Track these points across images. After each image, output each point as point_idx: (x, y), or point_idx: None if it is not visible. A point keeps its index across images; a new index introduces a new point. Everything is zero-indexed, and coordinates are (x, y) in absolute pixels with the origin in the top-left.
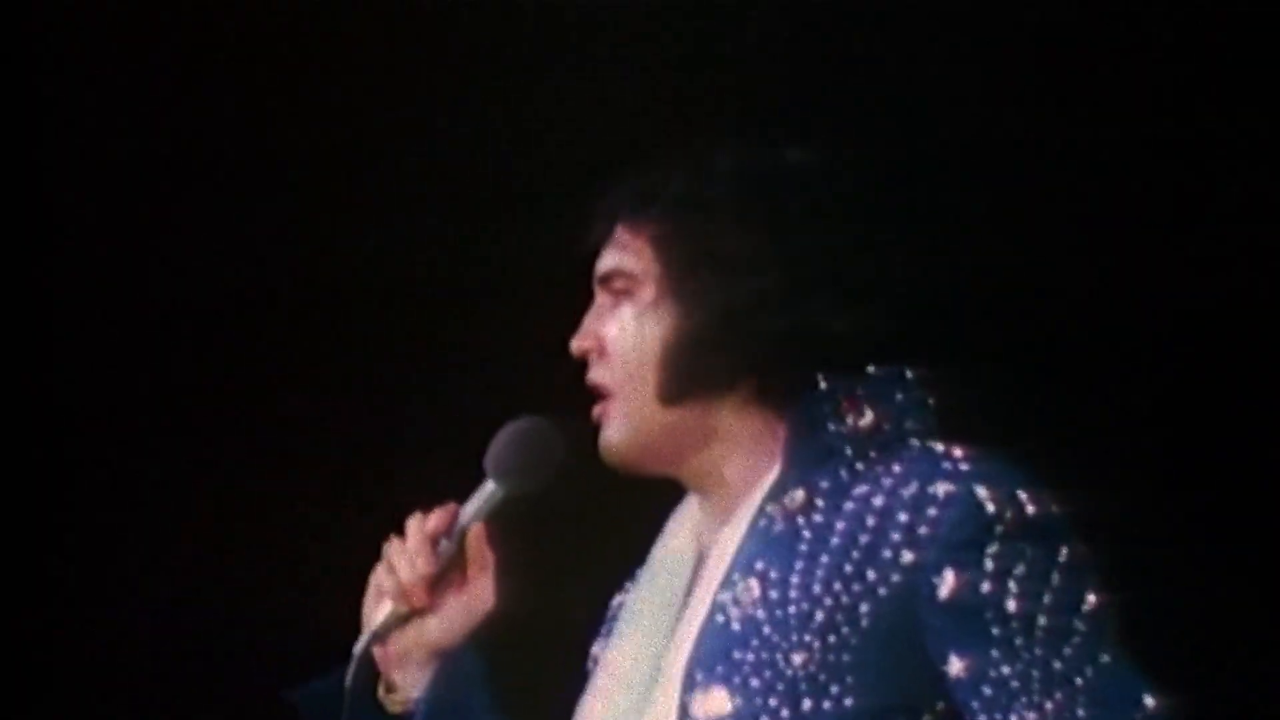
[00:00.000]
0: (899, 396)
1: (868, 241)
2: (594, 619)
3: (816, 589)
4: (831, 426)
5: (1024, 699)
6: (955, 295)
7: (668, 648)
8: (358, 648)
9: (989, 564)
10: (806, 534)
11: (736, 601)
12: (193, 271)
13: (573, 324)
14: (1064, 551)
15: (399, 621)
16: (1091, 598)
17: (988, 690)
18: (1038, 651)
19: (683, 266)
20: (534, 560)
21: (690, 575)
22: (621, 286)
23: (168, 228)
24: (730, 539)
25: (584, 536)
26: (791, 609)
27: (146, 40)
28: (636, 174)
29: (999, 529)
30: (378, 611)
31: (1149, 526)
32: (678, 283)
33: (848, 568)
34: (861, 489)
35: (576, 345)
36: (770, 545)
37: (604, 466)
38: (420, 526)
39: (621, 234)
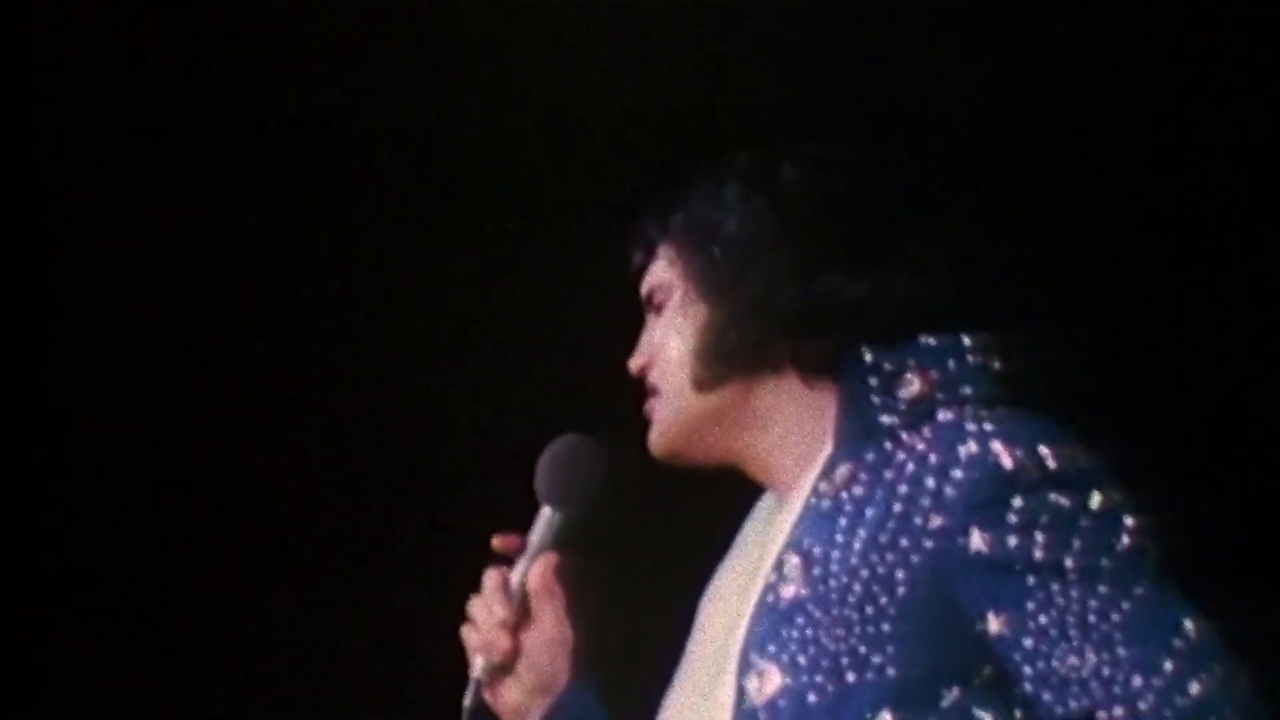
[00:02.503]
0: (951, 364)
1: (877, 209)
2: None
3: (854, 561)
4: (876, 399)
5: (1064, 645)
6: (1006, 262)
7: (734, 634)
8: (465, 703)
9: (1012, 518)
10: (848, 507)
11: (784, 580)
12: (214, 281)
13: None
14: (1094, 497)
15: (496, 671)
16: (1125, 539)
17: (1028, 641)
18: (1073, 594)
19: (699, 260)
20: (612, 580)
21: (758, 560)
22: (659, 300)
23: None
24: (787, 519)
25: (666, 550)
26: (832, 583)
27: (153, 41)
28: (664, 195)
29: (1020, 483)
30: (474, 666)
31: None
32: (698, 277)
33: (882, 538)
34: (900, 458)
35: (634, 365)
36: (816, 523)
37: (671, 476)
38: (493, 577)
39: (655, 257)
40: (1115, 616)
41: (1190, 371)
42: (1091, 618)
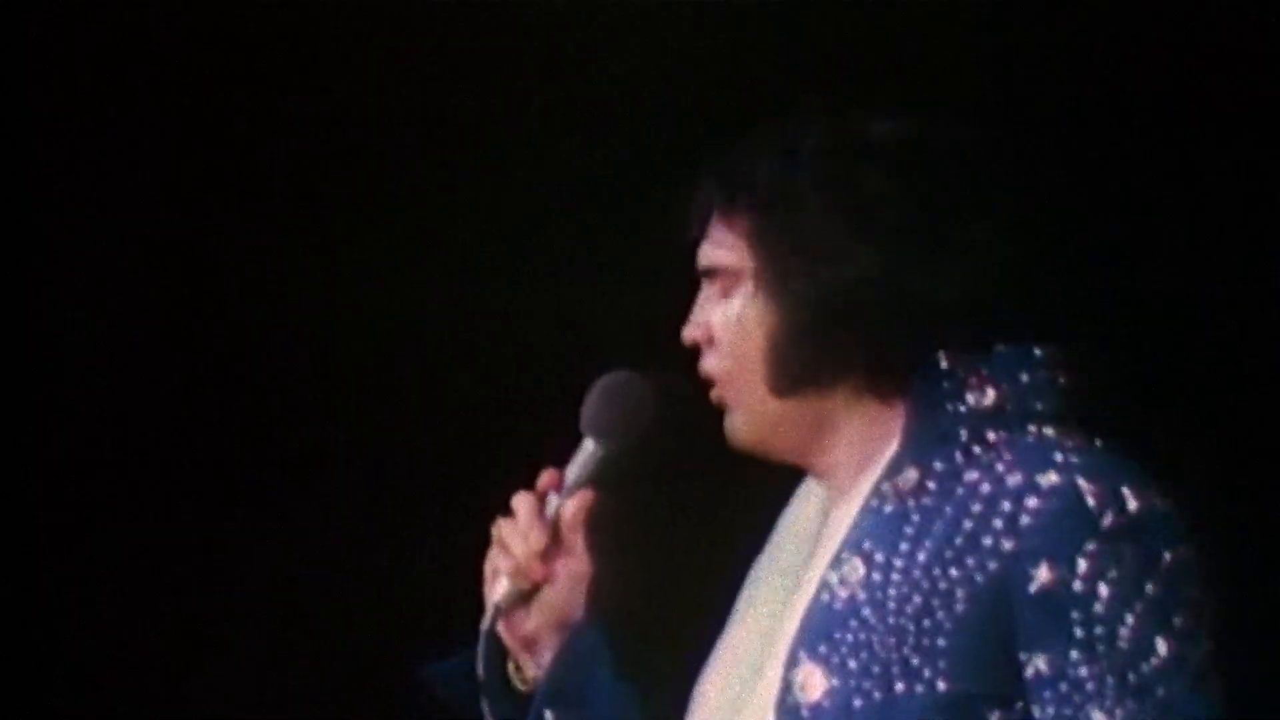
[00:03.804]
0: (1024, 376)
1: (962, 211)
2: (717, 589)
3: (916, 573)
4: (949, 406)
5: (1096, 702)
6: (1086, 273)
7: (781, 624)
8: (483, 626)
9: (1082, 564)
10: (915, 516)
11: (842, 581)
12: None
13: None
14: (1165, 557)
15: (518, 599)
16: (1179, 618)
17: (1063, 687)
18: (1118, 659)
19: (776, 262)
20: (644, 528)
21: (809, 552)
22: (724, 282)
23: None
24: (844, 517)
25: (704, 509)
26: (891, 591)
27: (160, 44)
28: (729, 158)
29: (1099, 526)
30: (495, 590)
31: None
32: (773, 278)
33: (949, 553)
34: (973, 474)
35: (688, 335)
36: (879, 526)
37: (704, 430)
38: (528, 501)
39: (717, 227)
40: (1150, 698)
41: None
42: (1129, 689)
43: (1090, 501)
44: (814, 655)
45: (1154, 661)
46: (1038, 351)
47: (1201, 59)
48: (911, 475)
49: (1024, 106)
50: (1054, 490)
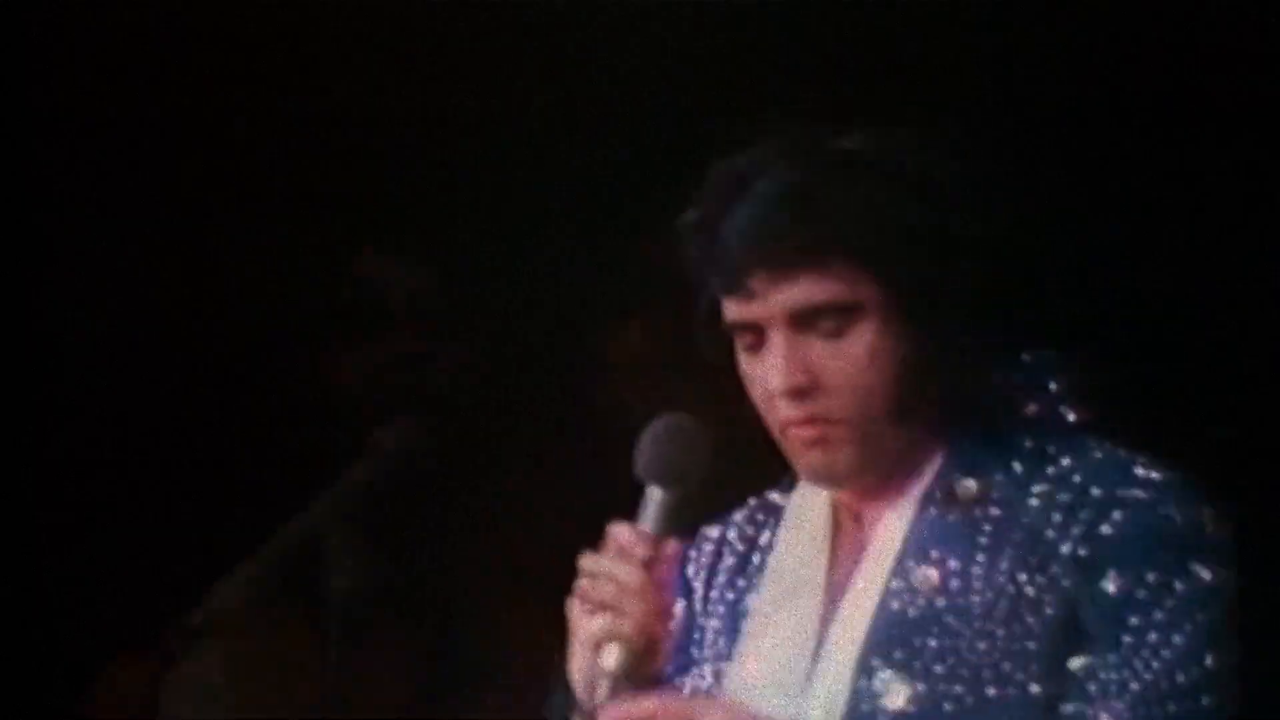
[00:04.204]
0: (1053, 385)
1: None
2: None
3: (1000, 579)
4: (1001, 416)
5: (1114, 701)
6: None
7: (828, 628)
8: (599, 699)
9: (1151, 576)
10: (987, 526)
11: (913, 589)
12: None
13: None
14: (1223, 582)
15: (634, 661)
16: (1220, 641)
17: (1092, 687)
18: (1154, 671)
19: (906, 285)
20: None
21: (830, 548)
22: (832, 322)
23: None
24: (894, 524)
25: None
26: (975, 598)
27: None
28: (786, 197)
29: (1176, 545)
30: (606, 659)
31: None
32: (908, 302)
33: (1033, 559)
34: (1043, 486)
35: (790, 383)
36: (946, 534)
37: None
38: (633, 562)
39: (809, 265)
40: (1169, 707)
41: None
42: (1151, 695)
43: (1177, 520)
44: (890, 662)
45: (1186, 678)
46: (1056, 356)
47: (1201, 59)
48: (970, 485)
49: (1024, 106)
50: (1139, 505)
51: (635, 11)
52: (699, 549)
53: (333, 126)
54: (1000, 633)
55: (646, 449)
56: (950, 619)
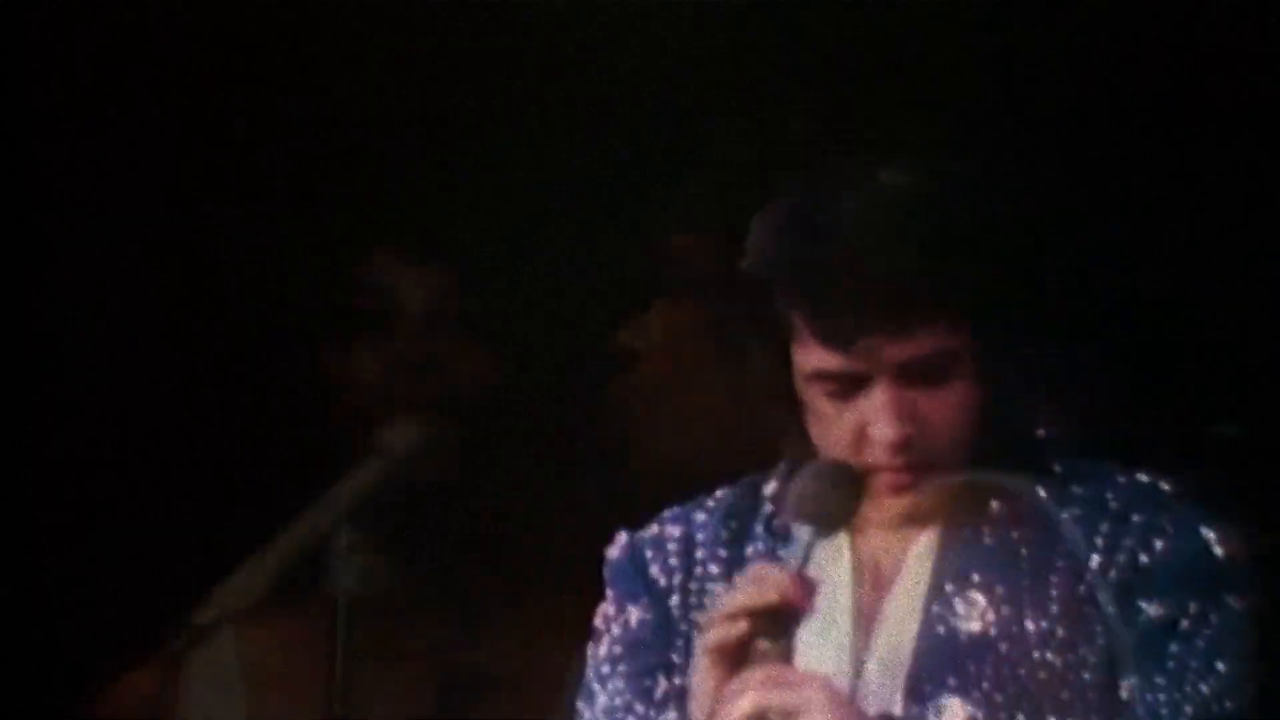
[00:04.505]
0: (1047, 403)
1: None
2: None
3: (1054, 609)
4: (1020, 441)
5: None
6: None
7: (864, 653)
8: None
9: (1194, 605)
10: (1024, 550)
11: (958, 614)
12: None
13: None
14: (1255, 609)
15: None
16: (1250, 666)
17: (1139, 710)
18: (1199, 697)
19: (997, 330)
20: None
21: (854, 571)
22: (935, 372)
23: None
24: (921, 547)
25: None
26: (1029, 626)
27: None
28: (909, 247)
29: (1218, 574)
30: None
31: None
32: (998, 346)
33: (1081, 589)
34: (1074, 510)
35: (901, 435)
36: (985, 558)
37: None
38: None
39: (908, 319)
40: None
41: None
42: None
43: (1218, 551)
44: (944, 688)
45: (1234, 704)
46: (1049, 377)
47: (1201, 59)
48: (999, 508)
49: (1024, 107)
50: (1179, 533)
51: (636, 12)
52: (660, 546)
53: (338, 127)
54: (1059, 663)
55: (808, 491)
56: (1004, 646)
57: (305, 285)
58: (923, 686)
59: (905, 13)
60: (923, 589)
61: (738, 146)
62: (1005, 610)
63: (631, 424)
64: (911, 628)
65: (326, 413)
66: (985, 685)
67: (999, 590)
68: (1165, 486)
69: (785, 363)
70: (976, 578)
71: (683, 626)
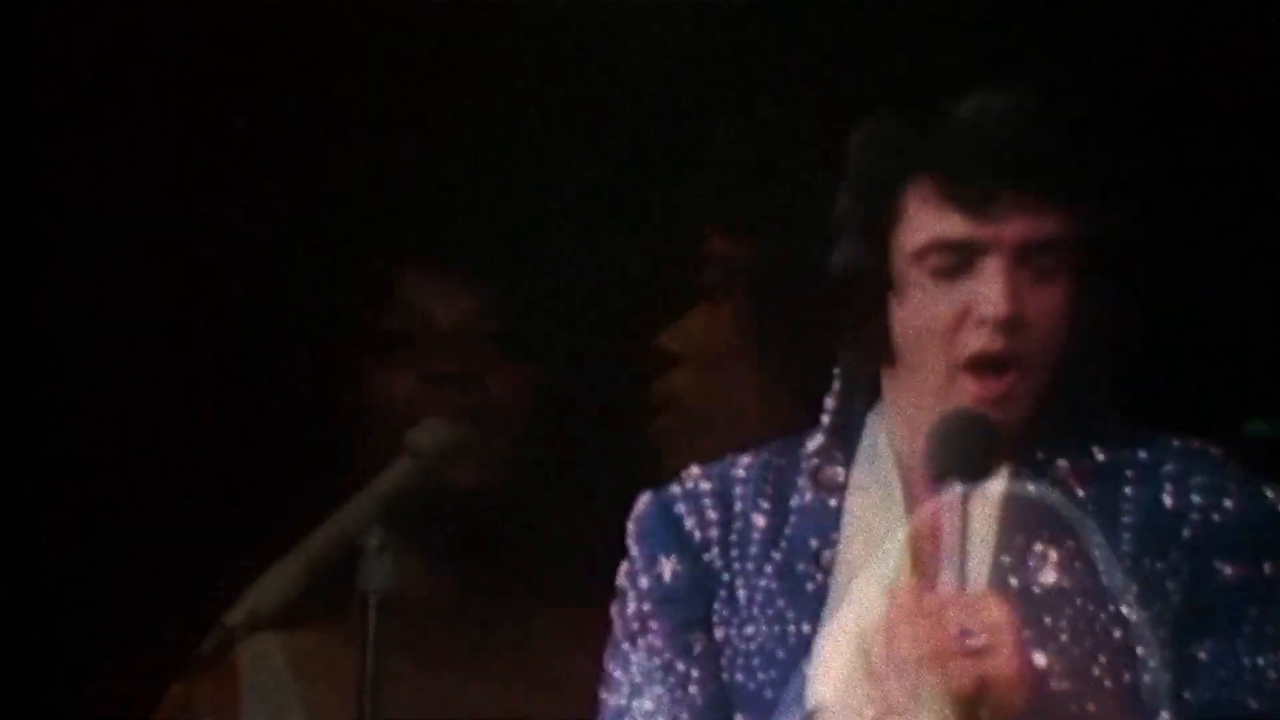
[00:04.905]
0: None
1: None
2: None
3: (1127, 563)
4: (1074, 401)
5: (1253, 689)
6: None
7: None
8: None
9: (1268, 566)
10: (1094, 507)
11: (1030, 567)
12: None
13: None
14: None
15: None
16: None
17: (1222, 673)
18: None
19: (1108, 234)
20: None
21: (898, 538)
22: (1052, 259)
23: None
24: (986, 497)
25: None
26: (1104, 580)
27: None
28: (1051, 123)
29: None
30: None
31: None
32: (1112, 252)
33: (1153, 545)
34: (1134, 471)
35: (1010, 310)
36: (1053, 513)
37: None
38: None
39: (1029, 201)
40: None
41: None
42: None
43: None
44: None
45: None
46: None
47: (1202, 59)
48: (1065, 466)
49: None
50: (1248, 496)
51: (635, 11)
52: (695, 500)
53: (332, 126)
54: (1134, 618)
55: (956, 443)
56: (1083, 600)
57: (337, 303)
58: None
59: (905, 13)
60: (990, 537)
61: (744, 144)
62: (1078, 565)
63: (667, 428)
64: (981, 576)
65: (357, 421)
66: (1064, 638)
67: (1070, 544)
68: (1215, 451)
69: (879, 250)
70: (1045, 531)
71: (725, 577)
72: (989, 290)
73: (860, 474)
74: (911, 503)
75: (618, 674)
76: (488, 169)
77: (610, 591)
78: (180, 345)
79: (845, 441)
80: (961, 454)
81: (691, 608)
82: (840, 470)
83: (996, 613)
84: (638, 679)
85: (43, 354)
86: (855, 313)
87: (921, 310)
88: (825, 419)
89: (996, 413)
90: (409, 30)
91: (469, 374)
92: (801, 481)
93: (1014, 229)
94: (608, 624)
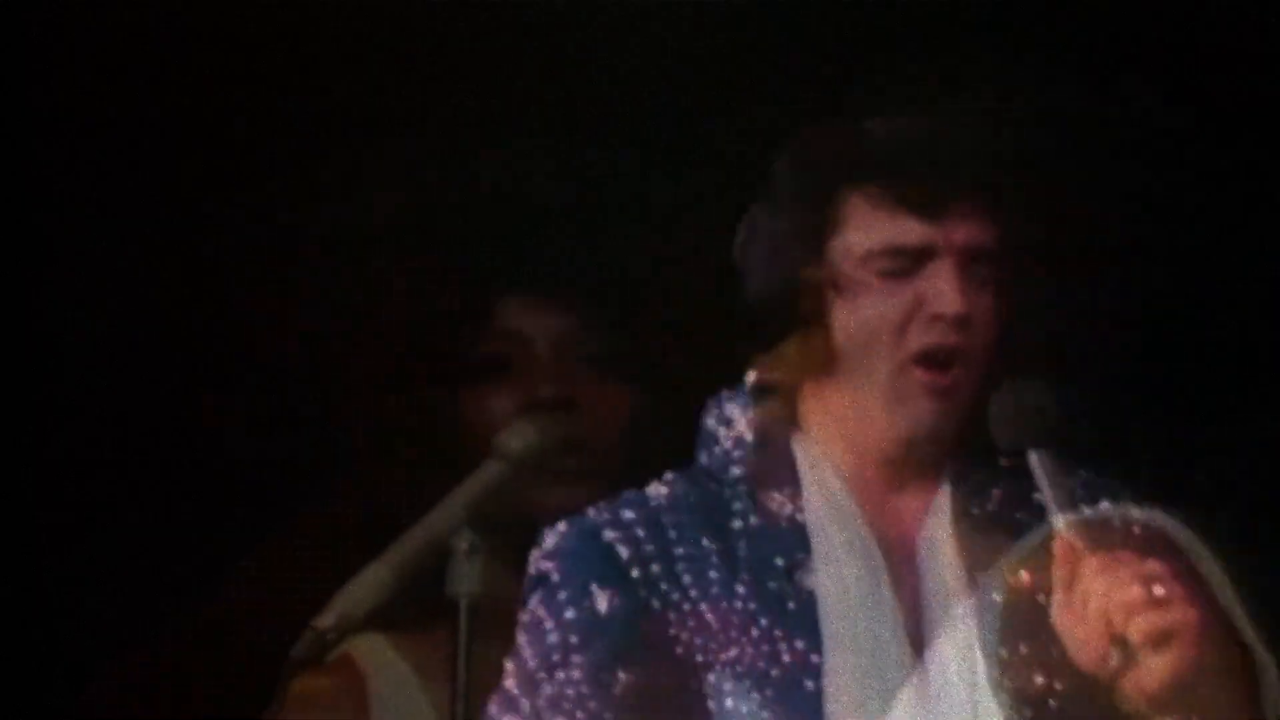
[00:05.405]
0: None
1: None
2: None
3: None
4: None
5: None
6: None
7: (919, 627)
8: None
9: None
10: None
11: (1006, 587)
12: None
13: None
14: None
15: None
16: None
17: None
18: None
19: (1025, 240)
20: None
21: (864, 551)
22: (988, 267)
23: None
24: (928, 515)
25: None
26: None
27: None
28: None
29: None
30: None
31: None
32: (1022, 258)
33: None
34: (1016, 486)
35: (963, 308)
36: (994, 532)
37: None
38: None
39: (969, 207)
40: None
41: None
42: None
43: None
44: (1019, 655)
45: None
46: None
47: (1201, 59)
48: (994, 492)
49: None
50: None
51: (635, 11)
52: (624, 528)
53: (332, 126)
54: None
55: (1032, 410)
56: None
57: (436, 331)
58: (1000, 652)
59: (905, 13)
60: (951, 571)
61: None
62: (1039, 579)
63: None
64: (956, 583)
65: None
66: (1054, 659)
67: (1024, 573)
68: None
69: (820, 257)
70: (1003, 538)
71: (658, 605)
72: (943, 288)
73: (809, 494)
74: (867, 516)
75: (524, 702)
76: (584, 190)
77: None
78: (260, 359)
79: (776, 465)
80: (1035, 414)
81: (621, 641)
82: (782, 492)
83: (1158, 567)
84: (545, 712)
85: (44, 354)
86: (797, 322)
87: (870, 308)
88: (747, 443)
89: (943, 404)
90: (493, 41)
91: (566, 398)
92: (740, 506)
93: (962, 234)
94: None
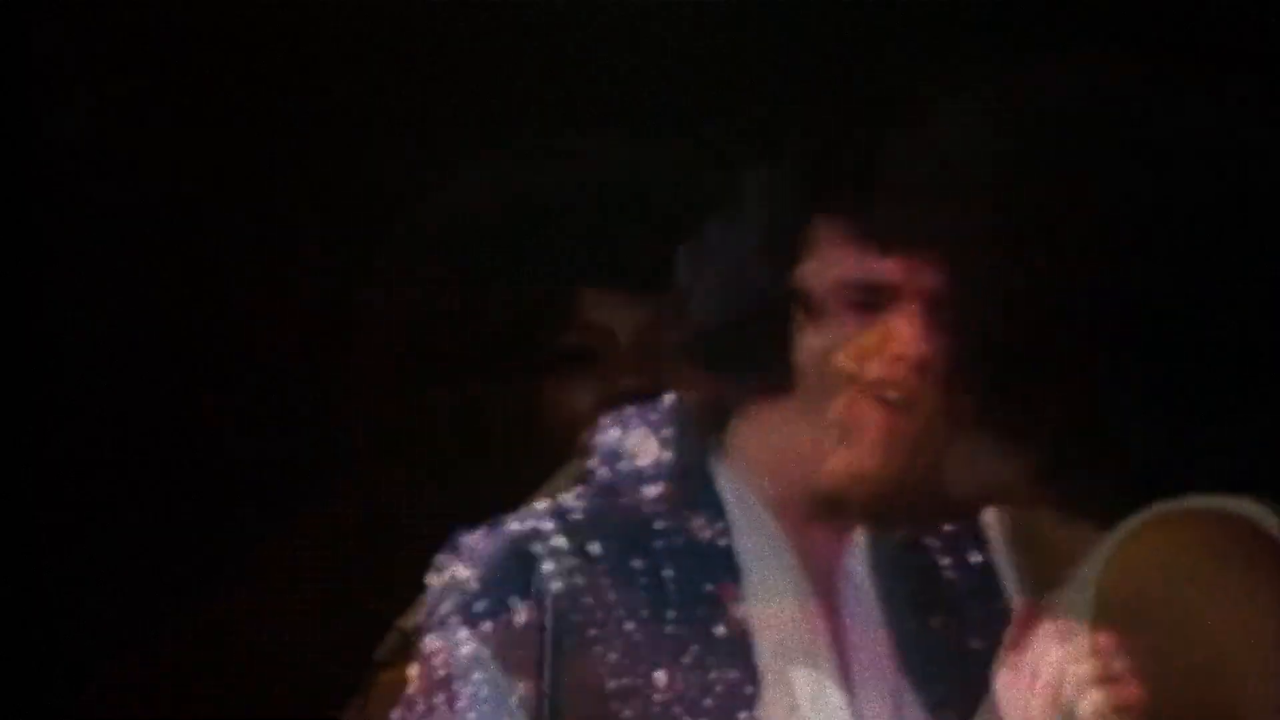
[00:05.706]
0: None
1: None
2: None
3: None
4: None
5: None
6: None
7: (842, 656)
8: None
9: None
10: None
11: (933, 629)
12: None
13: None
14: None
15: None
16: None
17: None
18: None
19: (1001, 280)
20: None
21: (791, 583)
22: (941, 310)
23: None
24: (854, 553)
25: None
26: (977, 643)
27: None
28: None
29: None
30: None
31: None
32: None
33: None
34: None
35: (930, 351)
36: (908, 565)
37: None
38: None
39: (934, 250)
40: None
41: None
42: None
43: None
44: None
45: None
46: None
47: (1202, 58)
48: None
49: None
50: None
51: (635, 11)
52: (545, 542)
53: (332, 126)
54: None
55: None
56: (971, 664)
57: (517, 320)
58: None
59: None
60: (874, 612)
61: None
62: (954, 632)
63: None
64: (876, 619)
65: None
66: (972, 696)
67: (942, 615)
68: None
69: (790, 278)
70: (920, 600)
71: (577, 619)
72: (905, 331)
73: (735, 519)
74: (792, 544)
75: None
76: (670, 179)
77: None
78: (326, 358)
79: (698, 488)
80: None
81: (529, 654)
82: (705, 516)
83: (1109, 641)
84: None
85: (44, 354)
86: (755, 344)
87: (838, 335)
88: (665, 463)
89: (890, 444)
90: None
91: (650, 391)
92: (662, 525)
93: (929, 277)
94: None
